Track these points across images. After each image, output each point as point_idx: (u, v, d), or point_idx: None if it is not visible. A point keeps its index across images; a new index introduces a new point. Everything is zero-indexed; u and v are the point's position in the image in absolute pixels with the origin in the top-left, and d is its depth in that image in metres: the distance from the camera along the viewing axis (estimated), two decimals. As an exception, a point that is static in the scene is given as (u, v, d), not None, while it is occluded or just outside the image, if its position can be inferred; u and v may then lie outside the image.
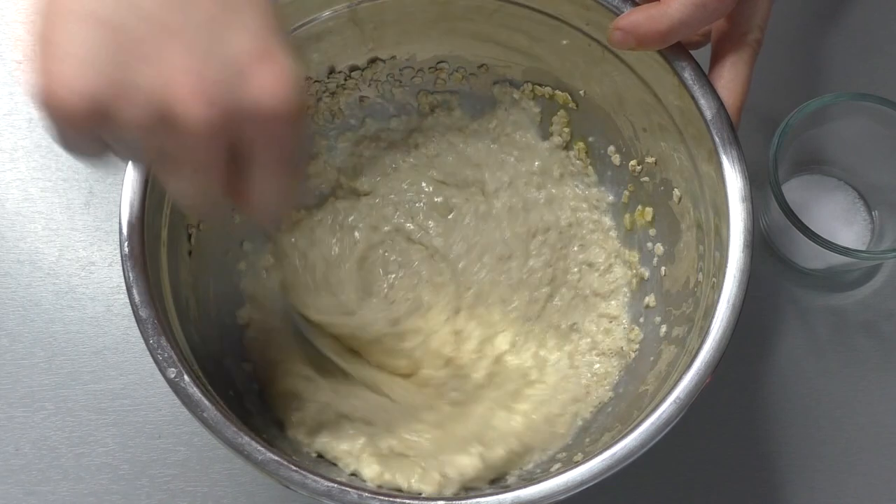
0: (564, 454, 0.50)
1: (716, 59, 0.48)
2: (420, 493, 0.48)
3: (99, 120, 0.33)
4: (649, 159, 0.53)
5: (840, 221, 0.60)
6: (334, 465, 0.50)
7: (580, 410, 0.53)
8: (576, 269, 0.57)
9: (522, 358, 0.55)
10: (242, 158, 0.36)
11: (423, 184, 0.58)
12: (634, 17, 0.46)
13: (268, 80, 0.34)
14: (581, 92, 0.55)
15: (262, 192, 0.38)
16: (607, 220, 0.57)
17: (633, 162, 0.55)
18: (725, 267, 0.45)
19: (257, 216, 0.39)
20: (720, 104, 0.47)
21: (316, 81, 0.55)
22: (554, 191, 0.58)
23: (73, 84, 0.32)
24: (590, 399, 0.53)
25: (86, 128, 0.33)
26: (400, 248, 0.57)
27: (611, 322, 0.55)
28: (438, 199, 0.58)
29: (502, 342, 0.55)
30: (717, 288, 0.45)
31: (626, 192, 0.56)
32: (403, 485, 0.48)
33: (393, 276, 0.57)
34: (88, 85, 0.32)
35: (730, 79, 0.47)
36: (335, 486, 0.42)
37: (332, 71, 0.55)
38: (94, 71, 0.32)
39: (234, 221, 0.55)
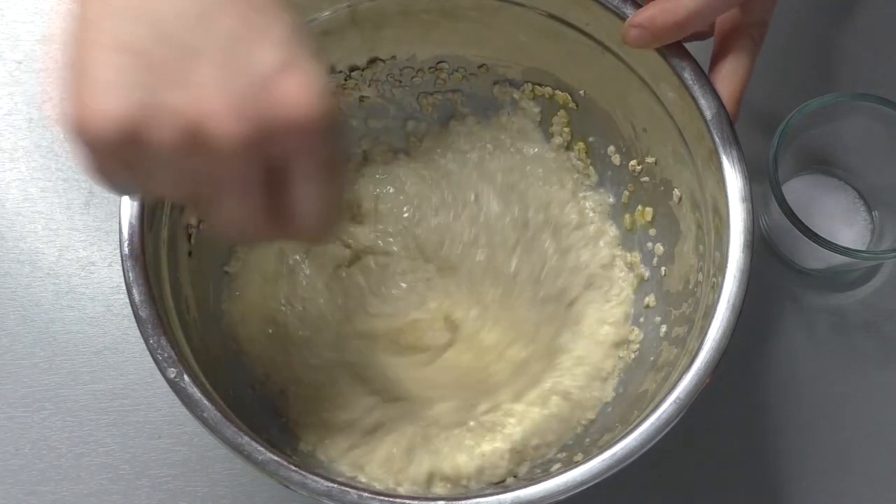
0: (564, 454, 0.50)
1: (719, 49, 0.48)
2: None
3: (131, 144, 0.33)
4: (649, 159, 0.53)
5: (840, 221, 0.60)
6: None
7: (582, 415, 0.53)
8: (580, 276, 0.57)
9: (524, 357, 0.55)
10: (282, 176, 0.36)
11: (432, 195, 0.58)
12: (649, 13, 0.46)
13: (294, 89, 0.34)
14: (581, 92, 0.55)
15: (307, 206, 0.37)
16: (612, 230, 0.57)
17: (633, 162, 0.55)
18: (725, 267, 0.45)
19: (304, 234, 0.38)
20: (720, 104, 0.47)
21: (316, 81, 0.55)
22: (561, 197, 0.58)
23: (102, 109, 0.32)
24: (588, 403, 0.53)
25: (118, 153, 0.33)
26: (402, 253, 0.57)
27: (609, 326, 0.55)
28: (444, 210, 0.58)
29: (509, 345, 0.55)
30: (717, 288, 0.45)
31: (626, 193, 0.56)
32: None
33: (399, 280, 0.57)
34: (118, 109, 0.32)
35: (731, 69, 0.47)
36: (335, 486, 0.42)
37: (332, 71, 0.55)
38: (123, 95, 0.32)
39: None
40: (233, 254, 0.55)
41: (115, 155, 0.33)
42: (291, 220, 0.37)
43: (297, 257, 0.56)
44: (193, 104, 0.33)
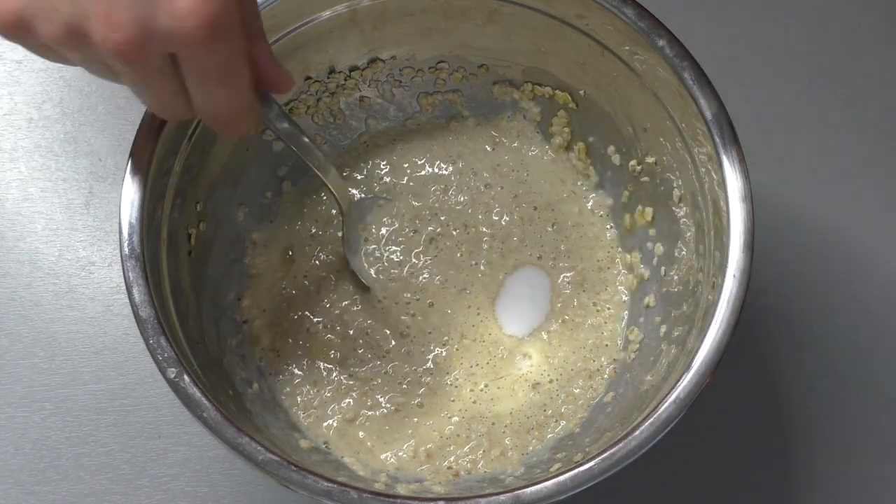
0: (564, 454, 0.50)
1: None
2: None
3: (24, 33, 0.37)
4: (649, 159, 0.53)
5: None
6: (338, 461, 0.51)
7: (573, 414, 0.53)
8: (577, 274, 0.57)
9: (526, 356, 0.55)
10: (180, 71, 0.38)
11: (432, 197, 0.58)
12: None
13: (182, 1, 0.35)
14: (581, 92, 0.55)
15: (203, 102, 0.40)
16: (610, 233, 0.57)
17: (632, 162, 0.55)
18: (725, 267, 0.45)
19: (210, 124, 0.42)
20: (720, 104, 0.47)
21: (316, 81, 0.55)
22: (564, 199, 0.58)
23: (3, 3, 0.37)
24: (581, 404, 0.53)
25: (18, 38, 0.37)
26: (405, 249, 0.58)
27: (608, 325, 0.55)
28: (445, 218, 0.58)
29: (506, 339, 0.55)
30: (717, 288, 0.45)
31: (626, 193, 0.56)
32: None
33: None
34: (13, 4, 0.36)
35: None
36: (335, 486, 0.42)
37: (332, 71, 0.55)
38: None
39: (238, 219, 0.55)
40: (245, 247, 0.56)
41: (16, 38, 0.37)
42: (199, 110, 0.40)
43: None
44: (78, 9, 0.36)
